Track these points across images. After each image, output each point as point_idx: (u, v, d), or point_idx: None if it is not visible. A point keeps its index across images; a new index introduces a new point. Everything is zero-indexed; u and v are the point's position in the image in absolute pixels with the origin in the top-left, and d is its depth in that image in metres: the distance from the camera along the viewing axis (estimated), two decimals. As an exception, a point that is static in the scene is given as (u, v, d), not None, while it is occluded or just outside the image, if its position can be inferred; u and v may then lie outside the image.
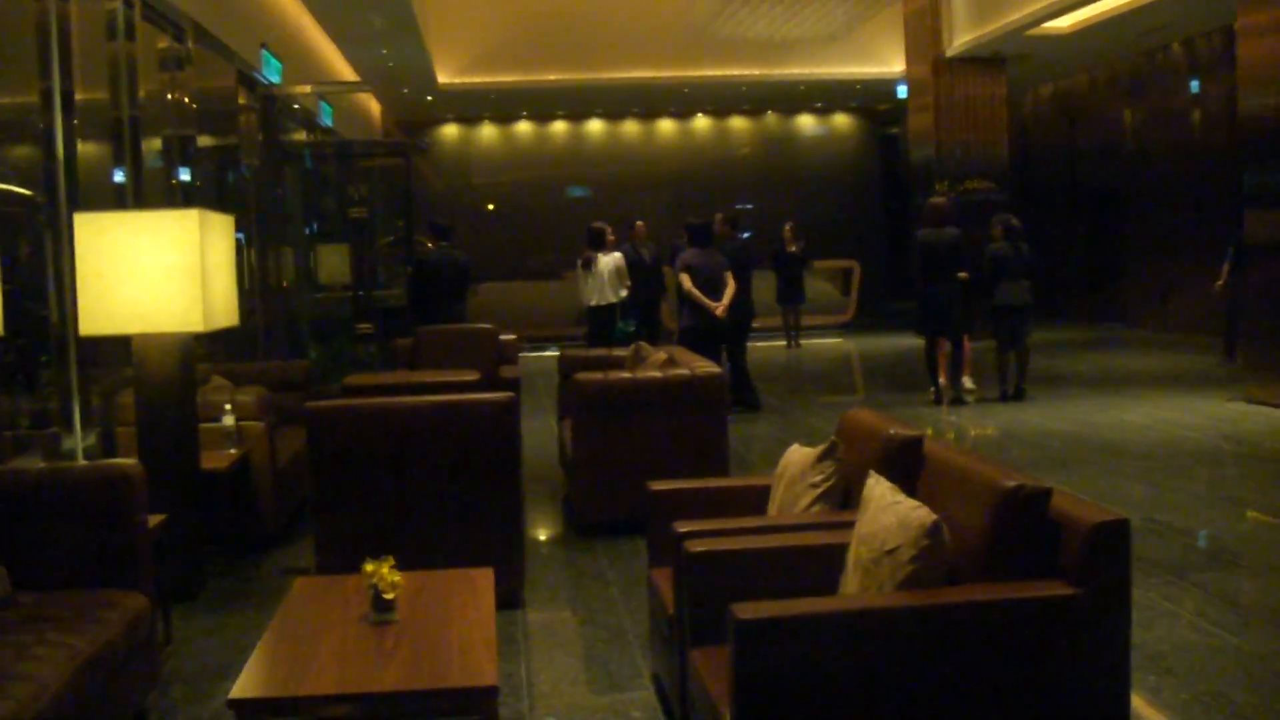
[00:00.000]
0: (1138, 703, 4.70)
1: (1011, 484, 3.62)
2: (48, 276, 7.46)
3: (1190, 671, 5.27)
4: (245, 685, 3.77)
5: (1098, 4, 17.33)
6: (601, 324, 14.13)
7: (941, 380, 13.39)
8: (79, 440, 7.41)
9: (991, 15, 19.23)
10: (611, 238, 14.66)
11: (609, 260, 14.06)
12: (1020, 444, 11.07)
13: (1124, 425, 11.72)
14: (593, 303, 14.18)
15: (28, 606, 4.52)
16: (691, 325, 12.00)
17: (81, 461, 7.18)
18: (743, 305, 12.82)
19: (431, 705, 3.95)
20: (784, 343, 20.71)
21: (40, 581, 4.76)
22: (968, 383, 13.63)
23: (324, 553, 6.24)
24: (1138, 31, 19.31)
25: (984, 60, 20.67)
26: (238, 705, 3.68)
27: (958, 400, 13.20)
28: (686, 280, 11.96)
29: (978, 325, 13.95)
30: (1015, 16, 18.37)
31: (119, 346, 7.38)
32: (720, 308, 11.84)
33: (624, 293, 14.17)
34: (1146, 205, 21.68)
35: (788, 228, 20.46)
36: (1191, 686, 5.09)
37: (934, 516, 3.67)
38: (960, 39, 20.40)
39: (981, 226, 14.48)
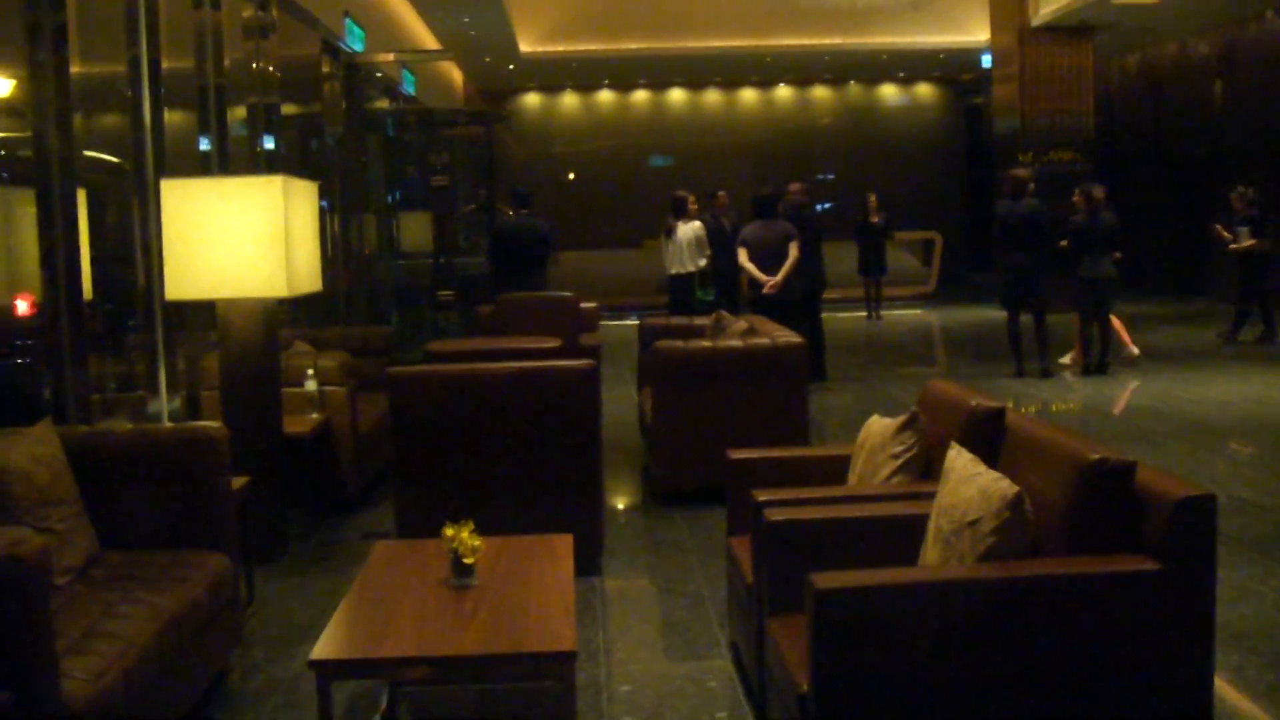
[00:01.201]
0: (1220, 683, 4.63)
1: (1095, 457, 3.57)
2: (135, 242, 7.56)
3: (1275, 652, 5.19)
4: (326, 646, 3.82)
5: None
6: (681, 293, 14.08)
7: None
8: (165, 403, 7.51)
9: (1078, -17, 18.94)
10: (693, 207, 14.62)
11: (688, 229, 13.99)
12: (1103, 418, 10.94)
13: (1209, 400, 11.54)
14: (672, 271, 14.14)
15: (114, 565, 4.59)
16: (752, 298, 12.02)
17: (167, 424, 7.28)
18: (813, 275, 12.72)
19: (509, 669, 3.98)
20: (865, 314, 20.61)
21: (126, 541, 4.83)
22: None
23: (404, 517, 6.30)
24: (1229, -1, 18.96)
25: (1070, 29, 20.34)
26: (318, 666, 3.73)
27: (1045, 374, 13.01)
28: (743, 254, 11.91)
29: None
30: (1103, -16, 18.08)
31: (204, 311, 7.46)
32: (771, 283, 11.69)
33: (703, 262, 14.08)
34: (1235, 176, 21.26)
35: (871, 198, 20.34)
36: (1276, 667, 5.01)
37: (1016, 488, 3.64)
38: (1046, 8, 20.08)
39: (1066, 198, 14.30)
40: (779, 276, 11.71)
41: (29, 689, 3.33)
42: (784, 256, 11.82)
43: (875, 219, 20.10)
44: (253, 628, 5.70)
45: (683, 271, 14.04)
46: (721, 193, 16.39)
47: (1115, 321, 13.49)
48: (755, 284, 11.92)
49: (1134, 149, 24.88)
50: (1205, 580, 3.51)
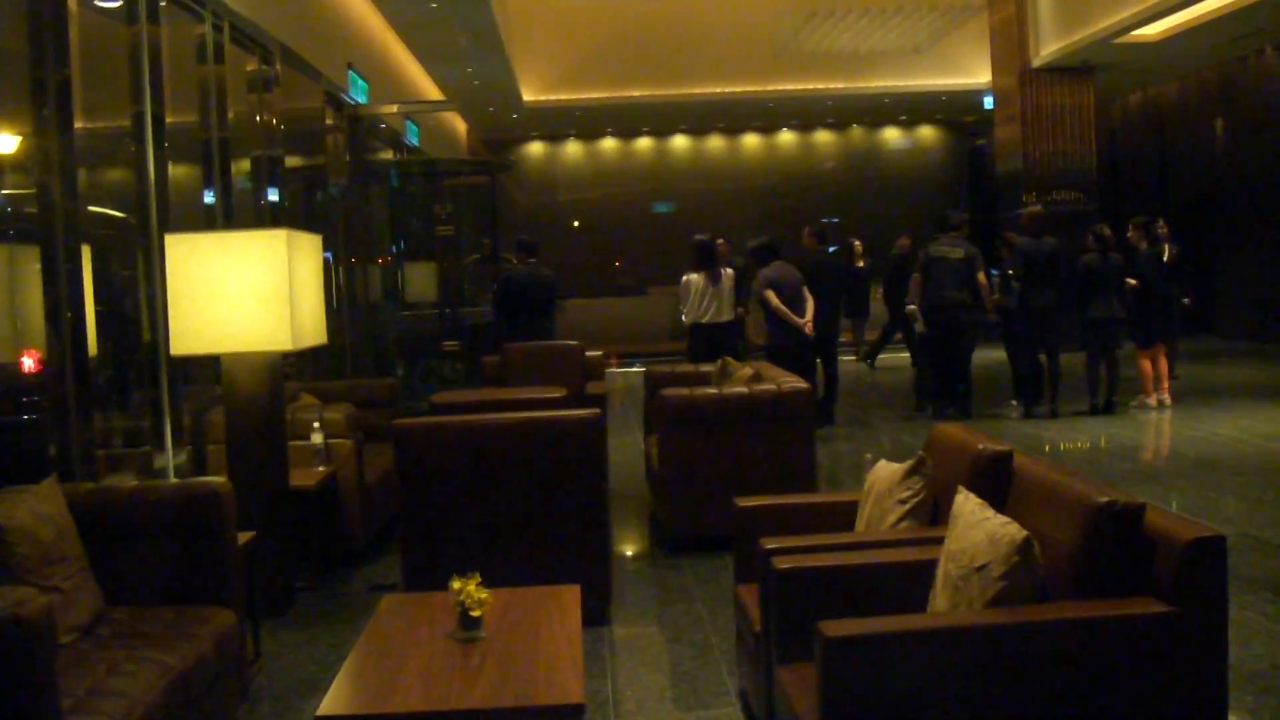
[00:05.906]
0: (1236, 723, 4.59)
1: (1103, 499, 3.55)
2: (140, 298, 7.57)
3: (1291, 691, 5.15)
4: (333, 702, 3.79)
5: (1188, 10, 17.07)
6: (730, 340, 12.69)
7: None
8: (170, 458, 7.50)
9: (1079, 24, 19.03)
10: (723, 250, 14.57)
11: (730, 275, 12.98)
12: (1111, 458, 10.90)
13: (1217, 439, 11.50)
14: (706, 319, 12.89)
15: (120, 622, 4.57)
16: (779, 344, 11.79)
17: (172, 479, 7.27)
18: (830, 318, 12.78)
19: (518, 722, 3.93)
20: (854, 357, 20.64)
21: (132, 597, 4.81)
22: (1152, 401, 13.45)
23: (411, 569, 6.27)
24: (1229, 37, 19.00)
25: (1071, 70, 20.44)
26: (325, 722, 3.70)
27: (1054, 415, 12.97)
28: (773, 297, 11.81)
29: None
30: (1103, 25, 18.16)
31: (209, 365, 7.47)
32: (808, 324, 11.75)
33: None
34: (1239, 214, 21.33)
35: (857, 244, 20.32)
36: (1292, 706, 4.98)
37: (1024, 533, 3.62)
38: (1047, 49, 20.19)
39: (1069, 238, 14.29)
40: (809, 317, 11.78)
41: (33, 750, 3.31)
42: (803, 299, 11.95)
43: (861, 264, 20.09)
44: (259, 683, 5.66)
45: (727, 319, 13.02)
46: (721, 240, 16.26)
47: (1146, 367, 13.43)
48: (777, 329, 11.79)
49: (1137, 188, 24.92)
50: (1217, 621, 3.48)
